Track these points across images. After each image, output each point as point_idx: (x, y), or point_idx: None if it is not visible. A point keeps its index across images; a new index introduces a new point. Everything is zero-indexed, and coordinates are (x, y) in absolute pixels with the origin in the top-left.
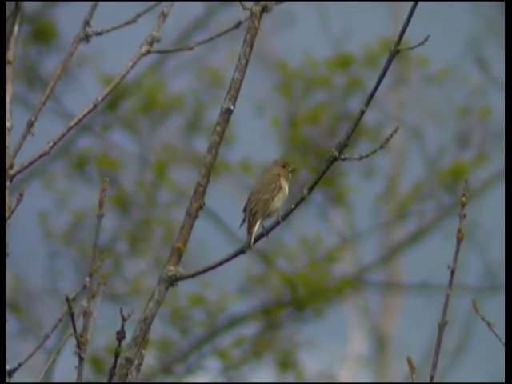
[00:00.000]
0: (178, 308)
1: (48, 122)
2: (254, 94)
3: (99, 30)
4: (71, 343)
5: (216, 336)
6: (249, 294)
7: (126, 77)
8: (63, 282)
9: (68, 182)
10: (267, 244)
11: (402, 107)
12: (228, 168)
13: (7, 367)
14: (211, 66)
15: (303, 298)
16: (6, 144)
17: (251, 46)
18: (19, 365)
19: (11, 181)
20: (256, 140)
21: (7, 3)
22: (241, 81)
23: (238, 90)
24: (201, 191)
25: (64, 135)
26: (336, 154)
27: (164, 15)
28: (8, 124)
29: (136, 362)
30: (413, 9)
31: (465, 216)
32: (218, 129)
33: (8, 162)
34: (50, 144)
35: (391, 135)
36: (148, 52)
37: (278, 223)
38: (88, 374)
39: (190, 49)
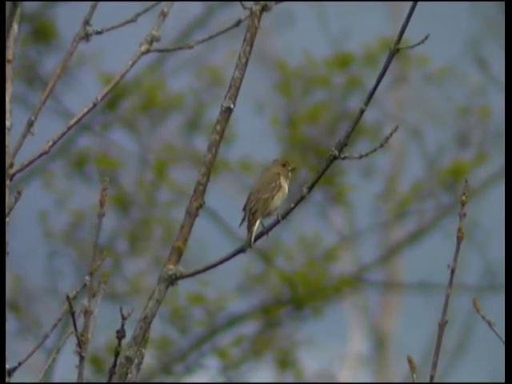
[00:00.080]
0: (178, 307)
1: (47, 122)
2: (254, 92)
3: (99, 29)
4: (71, 342)
5: (215, 335)
6: (248, 292)
7: (126, 76)
8: (63, 282)
9: (68, 181)
10: (267, 243)
11: (401, 106)
12: (227, 167)
13: (7, 366)
14: (211, 65)
15: (302, 296)
16: (6, 143)
17: (251, 45)
18: (19, 364)
19: (11, 180)
20: (255, 139)
21: (7, 3)
22: (241, 80)
23: (238, 89)
24: (201, 190)
25: (64, 134)
26: (336, 152)
27: (164, 14)
28: (8, 123)
29: (136, 361)
30: (412, 8)
31: (465, 215)
32: (218, 127)
33: (8, 161)
34: (50, 143)
35: (391, 134)
36: (148, 51)
37: (277, 222)
38: (88, 373)
39: (190, 47)
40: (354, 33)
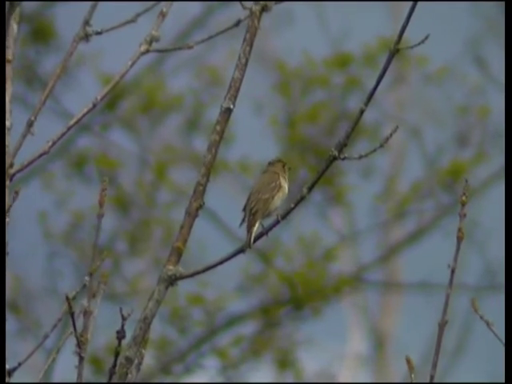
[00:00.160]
0: (177, 307)
1: (47, 122)
2: (253, 93)
3: (99, 30)
4: (71, 343)
5: (215, 335)
6: (247, 293)
7: (125, 76)
8: (63, 282)
9: (67, 181)
10: (266, 243)
11: (400, 106)
12: (227, 167)
13: (7, 367)
14: (210, 65)
15: (302, 296)
16: (6, 143)
17: (251, 45)
18: (19, 364)
19: (11, 180)
20: (255, 139)
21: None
22: (241, 80)
23: (237, 89)
24: (200, 190)
25: (64, 134)
26: (336, 153)
27: (163, 14)
28: (8, 123)
29: (136, 362)
30: (412, 8)
31: (465, 215)
32: (218, 128)
33: (8, 161)
34: (50, 143)
35: (391, 134)
36: (147, 51)
37: (277, 222)
38: (87, 373)
39: (190, 47)
40: (354, 33)
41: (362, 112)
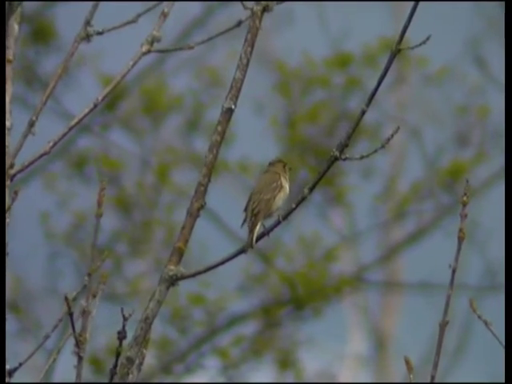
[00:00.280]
0: (178, 307)
1: (46, 122)
2: (253, 93)
3: (100, 30)
4: (71, 343)
5: (215, 335)
6: (248, 293)
7: (126, 76)
8: (63, 283)
9: (68, 182)
10: (267, 243)
11: (401, 107)
12: (227, 167)
13: (7, 367)
14: (210, 65)
15: (302, 297)
16: (6, 143)
17: (252, 46)
18: (20, 364)
19: (12, 180)
20: (255, 139)
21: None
22: (242, 80)
23: (239, 90)
24: (202, 191)
25: (65, 135)
26: (337, 153)
27: (164, 15)
28: (8, 123)
29: (137, 362)
30: (414, 8)
31: (466, 216)
32: (219, 128)
33: (8, 161)
34: (51, 144)
35: (392, 135)
36: (149, 51)
37: (278, 223)
38: (89, 373)
39: (191, 48)
40: (354, 33)
41: (363, 113)
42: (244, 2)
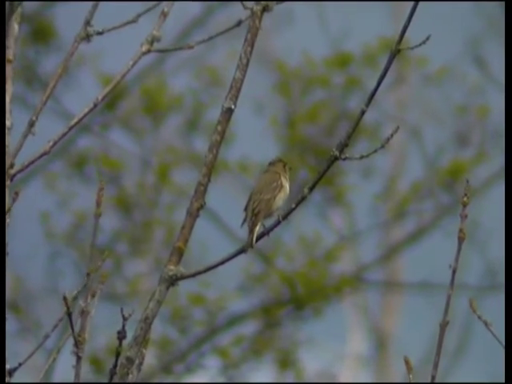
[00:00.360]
0: (178, 307)
1: (46, 122)
2: (253, 93)
3: (100, 30)
4: (71, 343)
5: (215, 335)
6: (248, 292)
7: (126, 76)
8: (64, 282)
9: (68, 182)
10: (267, 243)
11: (400, 106)
12: (227, 167)
13: (7, 367)
14: (210, 65)
15: (302, 296)
16: (6, 143)
17: (252, 46)
18: (19, 364)
19: (12, 180)
20: (255, 139)
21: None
22: (242, 80)
23: (238, 90)
24: (202, 190)
25: (65, 134)
26: (337, 153)
27: (164, 14)
28: (8, 123)
29: (137, 362)
30: (413, 8)
31: (466, 216)
32: (219, 128)
33: (8, 161)
34: (51, 143)
35: (392, 135)
36: (149, 51)
37: (278, 223)
38: (89, 373)
39: (191, 47)
40: (354, 33)
41: (363, 112)
42: (244, 2)
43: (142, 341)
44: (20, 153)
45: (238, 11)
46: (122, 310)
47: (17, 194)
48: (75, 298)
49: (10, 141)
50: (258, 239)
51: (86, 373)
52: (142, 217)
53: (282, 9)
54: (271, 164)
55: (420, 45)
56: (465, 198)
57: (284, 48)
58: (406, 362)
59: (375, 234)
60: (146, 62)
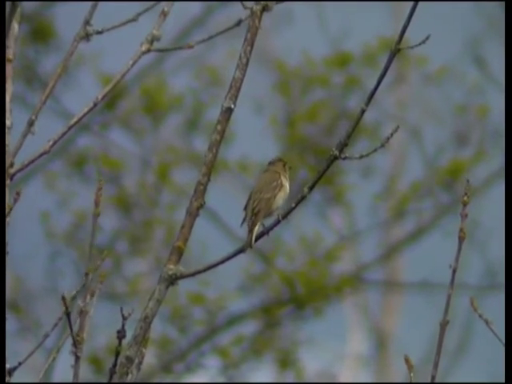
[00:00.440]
0: (178, 307)
1: (46, 121)
2: (253, 92)
3: (100, 29)
4: (70, 342)
5: (215, 334)
6: (248, 292)
7: (126, 75)
8: (64, 282)
9: (68, 181)
10: (267, 243)
11: (400, 106)
12: (227, 166)
13: (7, 366)
14: (210, 65)
15: (303, 296)
16: (6, 143)
17: (252, 45)
18: (19, 364)
19: (11, 179)
20: (255, 139)
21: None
22: (241, 80)
23: (238, 89)
24: (201, 190)
25: (64, 134)
26: (336, 153)
27: (164, 14)
28: (8, 123)
29: (136, 361)
30: (413, 8)
31: (466, 216)
32: (219, 127)
33: (8, 160)
34: (50, 143)
35: (392, 134)
36: (148, 50)
37: (278, 222)
38: (88, 373)
39: (190, 47)
40: (354, 32)
41: (362, 112)
42: (244, 2)
43: (142, 340)
44: (20, 152)
45: (237, 11)
46: (121, 310)
47: (18, 194)
48: (74, 298)
49: (10, 140)
50: (257, 239)
51: (86, 372)
52: (141, 216)
53: (281, 8)
54: (271, 163)
55: (420, 44)
56: (465, 197)
57: (284, 47)
58: (407, 361)
59: (375, 233)
60: (145, 62)
